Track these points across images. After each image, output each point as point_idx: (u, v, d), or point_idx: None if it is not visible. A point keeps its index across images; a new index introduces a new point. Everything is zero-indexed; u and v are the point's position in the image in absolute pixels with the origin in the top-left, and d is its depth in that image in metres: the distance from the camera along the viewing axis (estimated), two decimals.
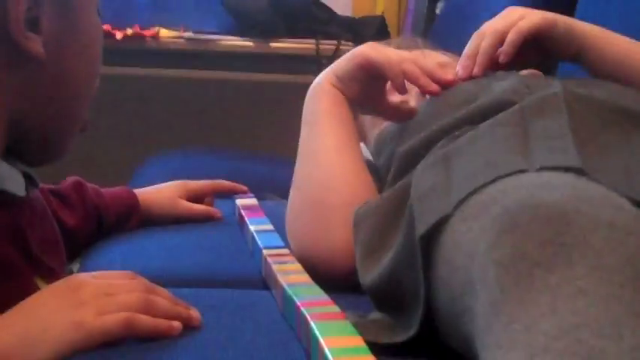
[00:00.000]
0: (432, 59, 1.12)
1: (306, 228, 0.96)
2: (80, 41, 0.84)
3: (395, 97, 1.06)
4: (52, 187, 1.11)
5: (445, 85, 0.98)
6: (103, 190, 1.18)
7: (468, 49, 1.03)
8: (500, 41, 1.00)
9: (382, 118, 1.11)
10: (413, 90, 1.09)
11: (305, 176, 0.99)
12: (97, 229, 1.16)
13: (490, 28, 1.02)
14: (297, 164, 1.01)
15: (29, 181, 0.86)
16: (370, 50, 0.98)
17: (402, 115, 1.03)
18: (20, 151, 0.84)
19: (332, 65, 1.03)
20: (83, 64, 0.85)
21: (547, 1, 1.56)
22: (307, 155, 1.00)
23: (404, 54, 0.98)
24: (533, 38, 0.99)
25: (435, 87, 0.97)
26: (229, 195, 1.31)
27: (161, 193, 1.24)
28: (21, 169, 0.84)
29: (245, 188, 1.31)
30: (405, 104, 1.07)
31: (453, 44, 1.85)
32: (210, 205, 1.28)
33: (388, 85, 1.00)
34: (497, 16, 1.03)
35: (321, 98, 1.01)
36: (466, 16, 1.88)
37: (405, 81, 0.97)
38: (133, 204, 1.19)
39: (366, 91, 1.01)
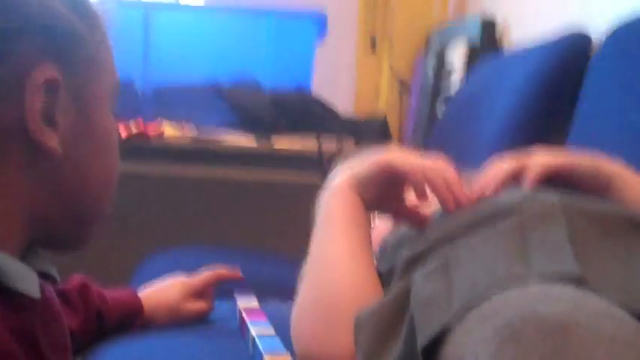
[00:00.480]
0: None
1: (312, 330, 0.95)
2: (94, 136, 0.84)
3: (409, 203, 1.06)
4: (57, 287, 1.11)
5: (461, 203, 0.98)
6: (107, 291, 1.19)
7: (483, 176, 1.03)
8: (516, 173, 1.00)
9: (396, 221, 1.11)
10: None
11: (316, 279, 0.98)
12: (96, 332, 1.15)
13: (508, 161, 1.03)
14: (308, 264, 1.00)
15: (46, 278, 0.87)
16: (394, 156, 0.99)
17: (417, 220, 1.03)
18: (44, 238, 0.85)
19: (351, 167, 1.03)
20: (99, 159, 0.85)
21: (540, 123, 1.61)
22: (319, 257, 1.00)
23: (427, 162, 0.99)
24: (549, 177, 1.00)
25: (452, 203, 0.97)
26: (228, 286, 1.31)
27: (164, 296, 1.23)
28: (38, 269, 0.85)
29: (240, 275, 1.31)
30: (419, 210, 1.07)
31: (452, 145, 1.88)
32: (211, 298, 1.28)
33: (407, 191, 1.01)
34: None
35: (339, 200, 1.01)
36: (466, 118, 1.90)
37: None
38: (137, 310, 1.19)
39: (385, 195, 1.01)
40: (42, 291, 0.83)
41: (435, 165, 0.99)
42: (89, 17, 0.83)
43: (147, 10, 2.12)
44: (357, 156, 1.28)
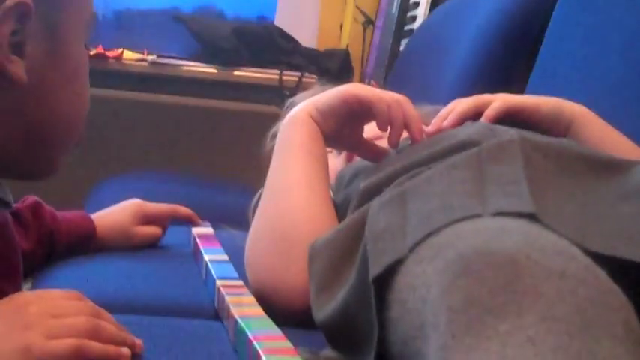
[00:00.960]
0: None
1: (265, 259, 0.95)
2: (65, 67, 0.83)
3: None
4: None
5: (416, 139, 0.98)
6: (60, 214, 1.18)
7: (443, 111, 1.03)
8: (477, 109, 1.00)
9: (355, 154, 1.11)
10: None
11: (271, 207, 0.98)
12: (49, 253, 1.15)
13: (470, 98, 1.03)
14: (264, 193, 1.00)
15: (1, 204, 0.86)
16: (358, 88, 0.98)
17: (375, 154, 1.03)
18: (8, 167, 0.84)
19: (313, 97, 1.02)
20: (68, 90, 0.85)
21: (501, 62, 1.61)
22: (275, 187, 0.99)
23: (391, 94, 0.98)
24: (511, 115, 1.00)
25: (418, 135, 0.97)
26: (186, 222, 1.30)
27: (117, 219, 1.22)
28: None
29: (200, 221, 1.30)
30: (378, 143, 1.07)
31: (414, 80, 1.88)
32: (164, 229, 1.27)
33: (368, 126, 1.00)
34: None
35: (297, 130, 1.00)
36: (428, 53, 1.90)
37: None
38: (89, 232, 1.19)
39: (343, 128, 1.01)
40: None
41: (397, 99, 0.98)
42: None
43: None
44: (318, 88, 1.27)
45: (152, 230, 1.25)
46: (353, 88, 0.99)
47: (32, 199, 1.16)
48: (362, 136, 1.03)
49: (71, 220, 1.18)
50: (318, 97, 1.01)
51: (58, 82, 0.83)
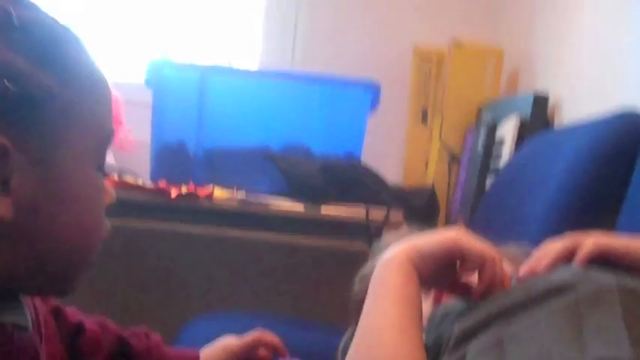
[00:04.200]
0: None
1: None
2: (66, 194, 0.83)
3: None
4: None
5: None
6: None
7: (536, 254, 1.03)
8: (569, 251, 1.00)
9: (449, 293, 1.10)
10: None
11: (363, 349, 0.98)
12: None
13: (561, 240, 1.03)
14: (356, 334, 0.99)
15: (19, 329, 0.87)
16: (462, 239, 0.98)
17: (470, 294, 1.02)
18: (22, 286, 0.85)
19: (413, 240, 1.02)
20: (72, 217, 0.84)
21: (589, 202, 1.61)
22: (368, 329, 0.98)
23: (491, 252, 0.98)
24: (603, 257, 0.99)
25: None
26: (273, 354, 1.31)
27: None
28: (6, 320, 0.84)
29: (285, 352, 1.30)
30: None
31: (500, 219, 1.88)
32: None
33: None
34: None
35: (393, 272, 0.99)
36: (515, 191, 1.90)
37: None
38: None
39: (441, 272, 1.01)
40: (5, 341, 0.83)
41: (495, 257, 0.98)
42: (64, 70, 0.82)
43: (203, 73, 2.16)
44: (409, 229, 1.28)
45: None
46: (457, 240, 0.98)
47: (156, 339, 1.19)
48: (458, 277, 1.02)
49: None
50: (418, 241, 1.01)
51: (59, 209, 0.83)
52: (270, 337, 1.29)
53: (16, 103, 0.77)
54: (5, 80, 0.76)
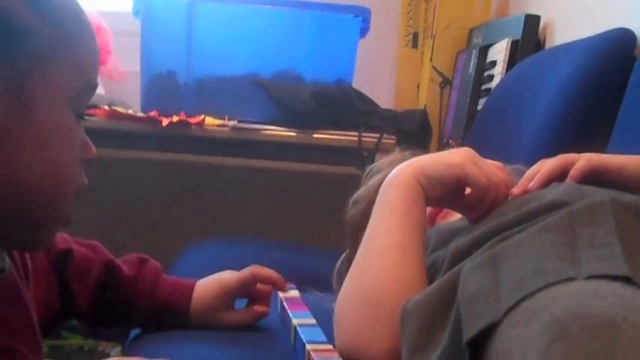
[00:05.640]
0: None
1: (353, 322, 0.95)
2: (37, 133, 0.81)
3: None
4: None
5: None
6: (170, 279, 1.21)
7: (529, 172, 1.03)
8: (563, 169, 1.00)
9: (456, 210, 1.10)
10: None
11: (365, 270, 0.98)
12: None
13: (555, 158, 1.03)
14: (359, 253, 1.00)
15: None
16: (470, 166, 0.98)
17: (475, 215, 1.02)
18: None
19: (419, 161, 1.03)
20: (42, 157, 0.82)
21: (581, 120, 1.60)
22: (371, 248, 0.99)
23: (499, 178, 0.99)
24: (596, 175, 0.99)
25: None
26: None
27: (204, 306, 1.22)
28: None
29: (284, 285, 1.27)
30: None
31: (493, 139, 1.88)
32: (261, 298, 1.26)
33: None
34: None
35: (400, 191, 1.00)
36: (507, 112, 1.90)
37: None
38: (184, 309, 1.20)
39: (448, 195, 1.01)
40: None
41: (499, 184, 0.99)
42: (48, 11, 0.81)
43: (191, 0, 2.13)
44: (401, 153, 1.28)
45: (238, 317, 1.23)
46: (466, 166, 0.98)
47: (153, 264, 1.21)
48: (463, 199, 1.02)
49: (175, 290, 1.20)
50: (429, 165, 1.01)
51: (30, 147, 0.80)
52: (266, 271, 1.26)
53: None
54: None
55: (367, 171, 1.39)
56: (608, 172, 0.98)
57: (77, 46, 0.84)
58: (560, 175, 0.99)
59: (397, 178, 1.01)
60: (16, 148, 0.79)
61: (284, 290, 1.26)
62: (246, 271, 1.24)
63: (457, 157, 1.00)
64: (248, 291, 1.24)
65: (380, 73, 2.64)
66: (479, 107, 2.20)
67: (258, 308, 1.23)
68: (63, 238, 1.14)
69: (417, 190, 0.99)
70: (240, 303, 1.24)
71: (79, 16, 0.86)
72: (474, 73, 2.25)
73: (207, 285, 1.21)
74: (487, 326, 0.65)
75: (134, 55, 2.15)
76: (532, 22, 2.08)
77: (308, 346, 0.97)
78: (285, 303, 1.20)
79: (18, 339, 0.90)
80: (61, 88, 0.82)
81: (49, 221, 0.87)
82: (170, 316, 1.18)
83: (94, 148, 0.91)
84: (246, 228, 2.38)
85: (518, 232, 0.78)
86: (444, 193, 1.00)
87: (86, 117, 0.90)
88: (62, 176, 0.84)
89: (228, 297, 1.22)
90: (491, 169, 0.99)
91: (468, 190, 1.00)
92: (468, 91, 2.26)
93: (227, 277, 1.23)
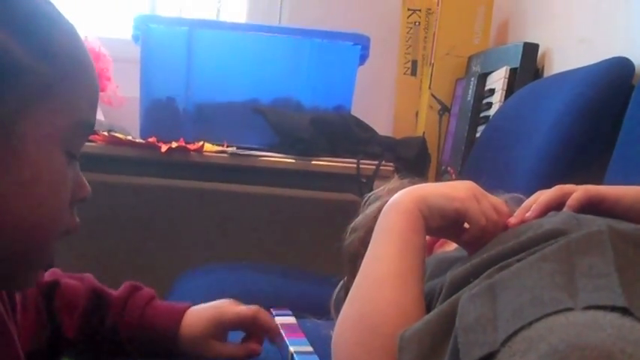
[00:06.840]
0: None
1: (350, 348, 0.94)
2: (22, 173, 0.77)
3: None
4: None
5: None
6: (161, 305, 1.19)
7: (527, 202, 1.03)
8: (560, 199, 1.00)
9: (454, 242, 1.10)
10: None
11: (363, 295, 0.97)
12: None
13: (552, 189, 1.03)
14: (357, 278, 0.99)
15: None
16: (471, 201, 0.98)
17: (472, 250, 1.01)
18: None
19: (421, 189, 1.02)
20: (26, 200, 0.78)
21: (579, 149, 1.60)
22: (370, 274, 0.98)
23: (497, 217, 0.99)
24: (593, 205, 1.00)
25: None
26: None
27: (195, 333, 1.17)
28: None
29: (277, 337, 1.22)
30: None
31: (491, 167, 1.89)
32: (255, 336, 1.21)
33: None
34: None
35: (400, 218, 0.99)
36: (505, 140, 1.91)
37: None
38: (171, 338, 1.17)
39: (447, 226, 1.01)
40: None
41: (496, 222, 0.99)
42: (41, 47, 0.78)
43: (191, 27, 2.15)
44: (400, 180, 1.28)
45: (231, 350, 1.19)
46: (467, 201, 0.98)
47: (147, 291, 1.18)
48: (462, 231, 1.02)
49: (161, 315, 1.17)
50: (426, 191, 1.01)
51: (11, 188, 0.76)
52: (268, 320, 1.20)
53: None
54: None
55: (365, 198, 1.39)
56: (605, 203, 0.99)
57: (72, 84, 0.81)
58: (557, 206, 0.99)
59: (399, 204, 1.01)
60: (1, 191, 0.76)
61: (277, 341, 1.22)
62: (249, 310, 1.19)
63: (460, 191, 0.99)
64: (245, 327, 1.21)
65: (379, 101, 2.65)
66: (477, 135, 2.20)
67: (254, 346, 1.19)
68: (51, 272, 1.13)
69: (418, 218, 0.99)
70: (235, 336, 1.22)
71: (75, 52, 0.82)
72: (472, 101, 2.25)
73: (203, 310, 1.19)
74: (485, 356, 0.65)
75: (134, 81, 2.16)
76: (530, 50, 2.09)
77: None
78: (281, 330, 1.19)
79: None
80: (53, 128, 0.79)
81: (33, 263, 0.84)
82: (159, 340, 1.16)
83: (88, 187, 0.88)
84: (245, 253, 2.38)
85: (516, 262, 0.78)
86: (443, 224, 1.00)
87: (86, 142, 0.87)
88: (47, 220, 0.80)
89: (222, 326, 1.18)
90: (492, 207, 0.99)
91: (467, 225, 1.00)
92: (466, 118, 2.27)
93: (227, 306, 1.20)
